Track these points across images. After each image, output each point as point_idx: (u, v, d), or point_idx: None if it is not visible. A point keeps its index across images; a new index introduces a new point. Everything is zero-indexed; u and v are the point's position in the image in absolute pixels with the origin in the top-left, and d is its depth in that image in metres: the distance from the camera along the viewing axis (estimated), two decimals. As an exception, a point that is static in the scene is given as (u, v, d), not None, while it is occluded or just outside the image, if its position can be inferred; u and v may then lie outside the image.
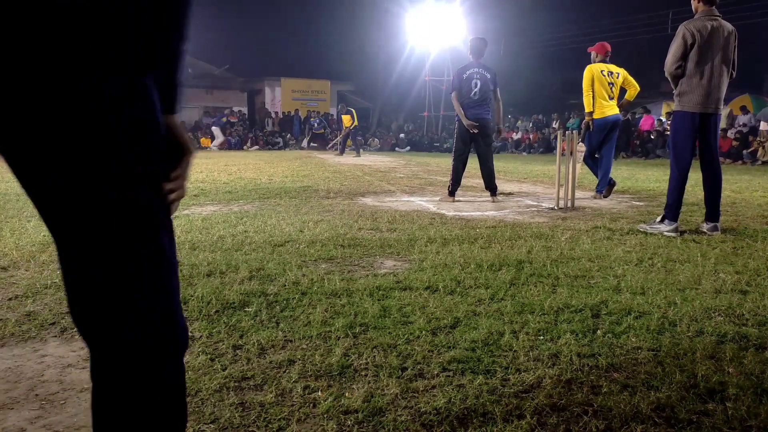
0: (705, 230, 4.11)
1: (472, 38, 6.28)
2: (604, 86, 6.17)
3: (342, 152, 17.99)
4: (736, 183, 8.19)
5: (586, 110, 6.25)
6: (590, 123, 6.24)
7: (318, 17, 35.25)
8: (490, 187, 6.09)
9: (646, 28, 25.57)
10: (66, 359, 1.82)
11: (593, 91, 6.16)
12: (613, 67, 6.29)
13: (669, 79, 4.17)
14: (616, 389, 1.61)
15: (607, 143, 6.33)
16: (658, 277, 2.83)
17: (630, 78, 6.34)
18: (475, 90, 5.95)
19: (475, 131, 5.94)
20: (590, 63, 6.33)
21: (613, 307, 2.32)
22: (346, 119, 17.89)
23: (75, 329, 2.06)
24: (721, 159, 4.65)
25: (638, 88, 6.39)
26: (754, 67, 22.86)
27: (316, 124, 24.93)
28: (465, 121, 5.95)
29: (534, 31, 29.88)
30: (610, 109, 6.21)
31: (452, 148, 6.30)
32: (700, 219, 4.42)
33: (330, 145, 18.30)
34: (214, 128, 23.71)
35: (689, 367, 1.75)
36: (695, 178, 4.33)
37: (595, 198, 6.29)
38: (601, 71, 6.18)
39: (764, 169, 12.95)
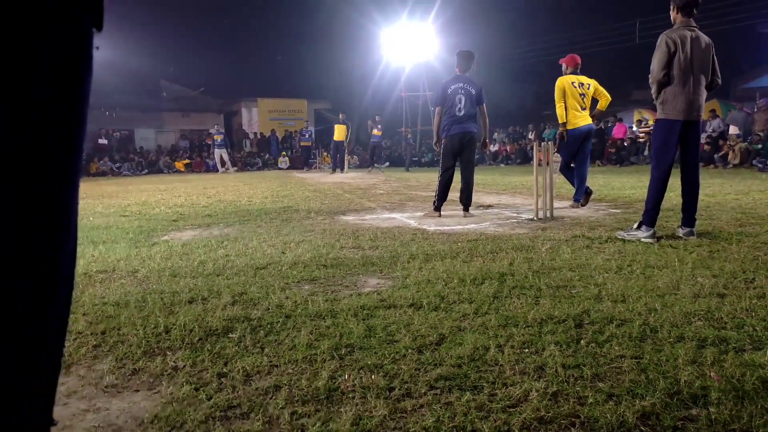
0: (681, 235, 4.19)
1: (459, 51, 6.11)
2: (575, 97, 6.29)
3: (343, 169, 18.05)
4: (709, 187, 8.36)
5: (560, 121, 6.37)
6: (564, 134, 6.36)
7: (292, 36, 35.42)
8: (466, 201, 6.05)
9: (614, 39, 26.16)
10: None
11: (565, 103, 6.28)
12: (584, 79, 6.42)
13: (653, 87, 4.24)
14: (602, 399, 1.62)
15: (582, 153, 6.44)
16: (637, 284, 2.87)
17: (601, 88, 6.48)
18: (460, 105, 5.85)
19: (437, 148, 6.04)
20: (561, 75, 6.46)
21: (596, 316, 2.35)
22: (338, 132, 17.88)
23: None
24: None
25: (609, 98, 6.53)
26: (722, 74, 23.48)
27: (307, 136, 24.81)
28: (436, 141, 6.02)
29: (505, 45, 30.40)
30: (583, 120, 6.33)
31: (431, 161, 6.35)
32: (676, 224, 4.50)
33: (335, 168, 18.25)
34: (218, 151, 22.59)
35: (672, 373, 1.78)
36: (671, 183, 4.41)
37: (573, 207, 6.38)
38: (572, 83, 6.31)
39: (735, 172, 13.26)
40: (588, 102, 6.41)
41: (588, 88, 6.39)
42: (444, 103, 5.92)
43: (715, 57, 4.24)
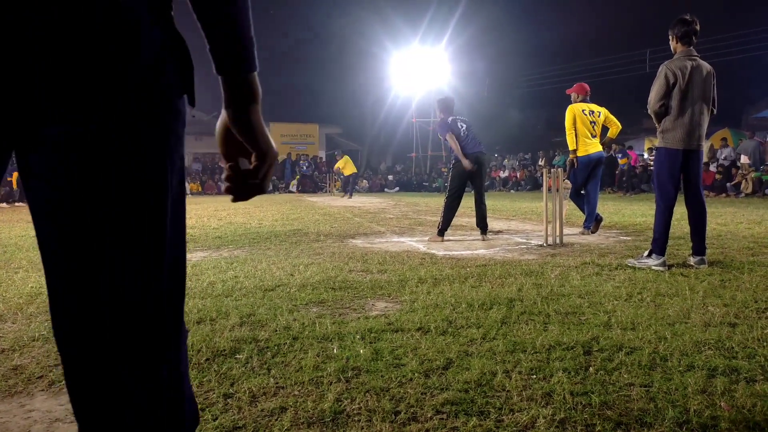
0: (692, 263, 4.15)
1: (438, 99, 6.56)
2: (586, 125, 6.33)
3: (350, 195, 18.33)
4: (721, 216, 8.31)
5: (570, 148, 6.40)
6: (574, 161, 6.38)
7: (305, 62, 35.93)
8: (482, 225, 6.15)
9: (625, 67, 26.35)
10: (53, 413, 1.79)
11: (576, 130, 6.32)
12: (594, 107, 6.47)
13: (652, 116, 4.29)
14: (610, 427, 1.61)
15: (592, 180, 6.45)
16: (647, 312, 2.85)
17: (611, 116, 6.52)
18: (463, 129, 6.13)
19: (473, 168, 6.05)
20: (570, 103, 6.52)
21: (605, 344, 2.33)
22: (341, 164, 18.31)
23: (63, 382, 2.03)
24: (705, 192, 4.75)
25: (620, 126, 6.56)
26: (733, 103, 23.53)
27: (305, 167, 25.19)
28: (464, 162, 6.00)
29: (516, 72, 30.68)
30: (593, 147, 6.36)
31: (441, 187, 6.42)
32: (687, 252, 4.47)
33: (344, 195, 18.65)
34: None
35: (681, 402, 1.76)
36: (680, 211, 4.40)
37: (583, 234, 6.35)
38: (583, 110, 6.36)
39: (748, 201, 13.16)
40: (598, 129, 6.45)
41: (598, 116, 6.44)
42: (452, 130, 6.13)
43: (715, 86, 4.25)
